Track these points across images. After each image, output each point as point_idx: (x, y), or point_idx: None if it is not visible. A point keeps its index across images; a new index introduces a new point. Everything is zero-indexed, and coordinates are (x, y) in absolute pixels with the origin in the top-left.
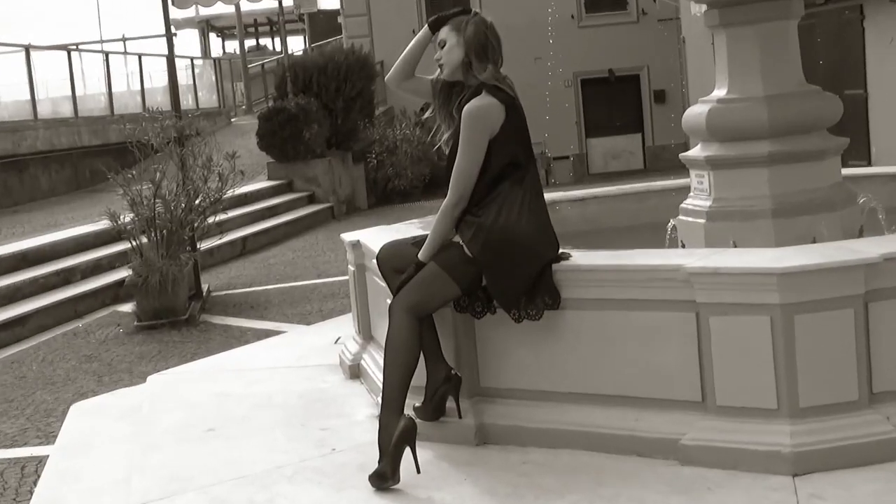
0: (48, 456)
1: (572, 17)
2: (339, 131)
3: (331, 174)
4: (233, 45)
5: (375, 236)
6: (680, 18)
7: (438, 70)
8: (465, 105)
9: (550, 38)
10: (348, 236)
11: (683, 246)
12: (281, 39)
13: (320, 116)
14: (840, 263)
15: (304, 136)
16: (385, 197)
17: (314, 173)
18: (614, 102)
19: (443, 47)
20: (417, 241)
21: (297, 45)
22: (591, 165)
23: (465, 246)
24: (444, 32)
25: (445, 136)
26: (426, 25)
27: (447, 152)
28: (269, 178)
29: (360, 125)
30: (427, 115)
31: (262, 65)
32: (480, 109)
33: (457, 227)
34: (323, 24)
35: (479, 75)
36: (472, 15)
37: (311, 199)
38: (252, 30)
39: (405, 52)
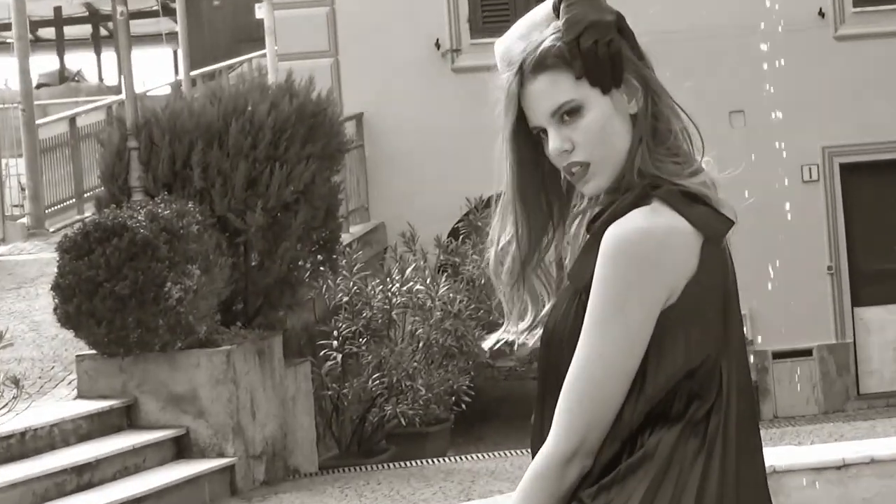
0: None
1: (821, 13)
2: (253, 283)
3: (232, 387)
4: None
5: None
6: None
7: (568, 174)
8: (606, 222)
9: (766, 64)
10: None
11: None
12: (118, 58)
13: (208, 246)
14: None
15: (164, 296)
16: (362, 444)
17: (190, 384)
18: None
19: (567, 115)
20: None
21: (155, 72)
22: (864, 374)
23: None
24: (569, 87)
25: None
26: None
27: (547, 331)
28: (82, 395)
29: (304, 269)
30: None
31: (72, 119)
32: (650, 238)
33: None
34: (220, 27)
35: (659, 168)
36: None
37: (182, 448)
38: (49, 33)
39: None
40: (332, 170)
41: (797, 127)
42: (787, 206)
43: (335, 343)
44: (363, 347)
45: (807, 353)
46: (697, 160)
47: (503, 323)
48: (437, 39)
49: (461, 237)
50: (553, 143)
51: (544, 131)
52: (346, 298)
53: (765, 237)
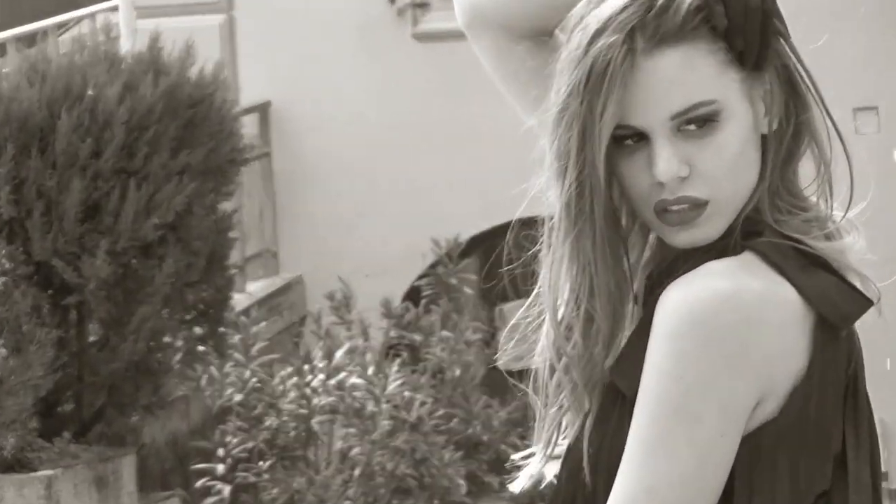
0: None
1: None
2: (91, 371)
3: None
4: None
5: None
6: None
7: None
8: (673, 282)
9: None
10: None
11: None
12: None
13: (20, 311)
14: None
15: None
16: None
17: None
18: None
19: (695, 123)
20: None
21: None
22: None
23: None
24: (711, 78)
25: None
26: None
27: (573, 455)
28: None
29: (172, 350)
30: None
31: None
32: (736, 306)
33: None
34: None
35: (778, 221)
36: None
37: None
38: None
39: None
40: (219, 192)
41: None
42: None
43: (221, 468)
44: (266, 475)
45: None
46: (832, 217)
47: (483, 438)
48: None
49: (424, 301)
50: (663, 164)
51: (636, 136)
52: (239, 397)
53: None
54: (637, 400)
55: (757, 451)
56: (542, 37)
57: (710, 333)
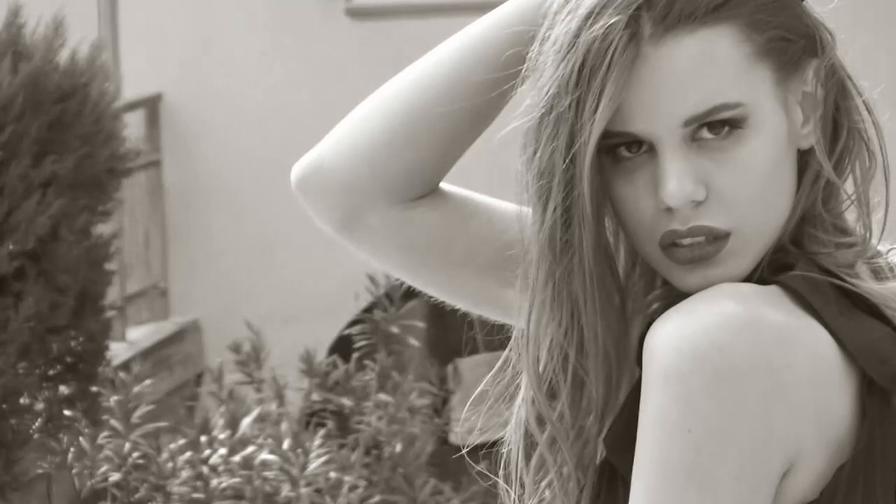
0: None
1: None
2: None
3: None
4: None
5: None
6: None
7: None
8: (668, 311)
9: None
10: None
11: None
12: None
13: None
14: None
15: None
16: None
17: None
18: None
19: (714, 131)
20: None
21: None
22: None
23: None
24: (735, 75)
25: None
26: None
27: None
28: None
29: (31, 415)
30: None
31: None
32: (750, 339)
33: None
34: None
35: (819, 255)
36: None
37: None
38: None
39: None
40: (94, 211)
41: None
42: None
43: None
44: None
45: None
46: (881, 251)
47: None
48: None
49: (357, 355)
50: (674, 183)
51: (631, 145)
52: (116, 476)
53: None
54: (634, 467)
55: None
56: (434, 192)
57: (722, 373)
